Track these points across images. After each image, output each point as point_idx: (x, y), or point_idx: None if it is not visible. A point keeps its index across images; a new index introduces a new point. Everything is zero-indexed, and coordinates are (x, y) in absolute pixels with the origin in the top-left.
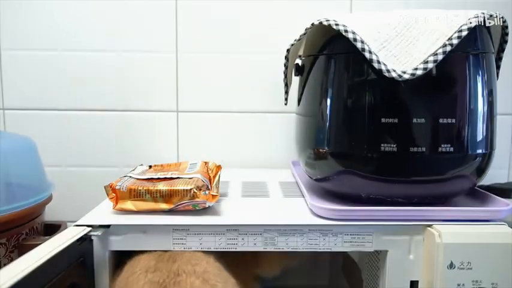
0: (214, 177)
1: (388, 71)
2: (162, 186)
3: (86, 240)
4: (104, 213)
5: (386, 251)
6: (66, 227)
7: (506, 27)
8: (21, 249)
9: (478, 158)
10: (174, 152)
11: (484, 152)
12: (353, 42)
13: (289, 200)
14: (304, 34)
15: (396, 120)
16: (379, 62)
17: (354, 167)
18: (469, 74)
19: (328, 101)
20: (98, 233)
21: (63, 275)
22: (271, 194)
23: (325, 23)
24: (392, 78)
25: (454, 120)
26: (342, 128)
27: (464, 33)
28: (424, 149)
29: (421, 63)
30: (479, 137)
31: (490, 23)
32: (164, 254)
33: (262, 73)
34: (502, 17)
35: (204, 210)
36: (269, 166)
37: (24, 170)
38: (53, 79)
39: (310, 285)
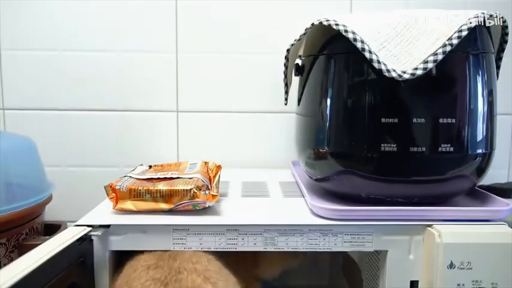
0: (214, 177)
1: (388, 71)
2: (162, 186)
3: (86, 240)
4: (103, 213)
5: (386, 251)
6: (66, 227)
7: (506, 27)
8: (21, 249)
9: (478, 158)
10: (174, 152)
11: (484, 152)
12: (353, 42)
13: (289, 200)
14: (304, 34)
15: (396, 120)
16: (379, 62)
17: (354, 167)
18: (469, 74)
19: (328, 101)
20: (98, 233)
21: (63, 275)
22: (271, 194)
23: (325, 23)
24: (392, 78)
25: (454, 120)
26: (342, 128)
27: (464, 33)
28: (424, 149)
29: (421, 63)
30: (479, 137)
31: (490, 23)
32: (165, 253)
33: (262, 73)
34: (502, 17)
35: (204, 210)
36: (269, 166)
37: (24, 170)
38: (53, 79)
39: (310, 285)
